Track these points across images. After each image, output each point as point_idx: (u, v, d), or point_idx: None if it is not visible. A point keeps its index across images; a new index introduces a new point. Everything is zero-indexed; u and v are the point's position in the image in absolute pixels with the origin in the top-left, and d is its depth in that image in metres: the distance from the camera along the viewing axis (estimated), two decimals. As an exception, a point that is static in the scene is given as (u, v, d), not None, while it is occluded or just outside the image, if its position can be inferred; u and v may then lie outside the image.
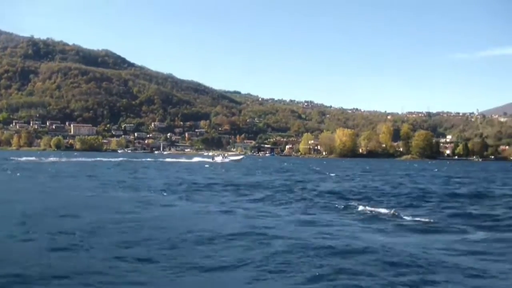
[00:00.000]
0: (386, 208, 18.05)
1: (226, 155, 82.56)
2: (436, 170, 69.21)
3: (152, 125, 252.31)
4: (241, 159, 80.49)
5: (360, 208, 18.05)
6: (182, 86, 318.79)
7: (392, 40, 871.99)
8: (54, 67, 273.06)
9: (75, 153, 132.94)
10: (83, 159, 77.89)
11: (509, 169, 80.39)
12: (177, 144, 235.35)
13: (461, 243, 11.84)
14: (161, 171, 49.70)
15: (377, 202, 20.87)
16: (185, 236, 11.56)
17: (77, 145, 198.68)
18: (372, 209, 17.74)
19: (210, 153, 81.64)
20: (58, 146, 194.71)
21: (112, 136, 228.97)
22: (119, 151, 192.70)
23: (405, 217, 15.91)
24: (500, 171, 67.47)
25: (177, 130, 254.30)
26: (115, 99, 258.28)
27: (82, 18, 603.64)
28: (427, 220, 15.45)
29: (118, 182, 30.00)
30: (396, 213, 16.55)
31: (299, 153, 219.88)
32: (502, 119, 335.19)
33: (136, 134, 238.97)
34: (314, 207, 18.90)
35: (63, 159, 73.54)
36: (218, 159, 77.30)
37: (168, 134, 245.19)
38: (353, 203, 19.98)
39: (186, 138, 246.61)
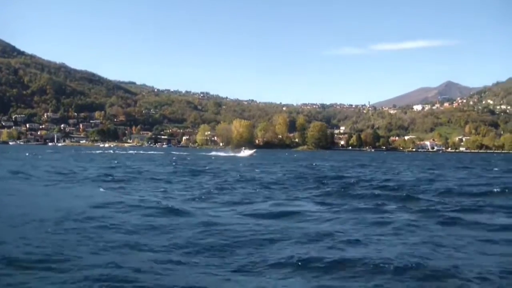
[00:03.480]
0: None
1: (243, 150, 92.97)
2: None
3: (45, 116, 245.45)
4: (253, 152, 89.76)
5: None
6: (76, 76, 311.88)
7: (285, 33, 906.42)
8: None
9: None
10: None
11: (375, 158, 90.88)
12: (72, 135, 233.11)
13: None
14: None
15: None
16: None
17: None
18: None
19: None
20: None
21: (2, 127, 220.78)
22: (10, 143, 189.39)
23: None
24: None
25: (71, 121, 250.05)
26: (4, 89, 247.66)
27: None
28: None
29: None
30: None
31: (196, 144, 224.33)
32: (392, 111, 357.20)
33: (28, 125, 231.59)
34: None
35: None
36: (242, 153, 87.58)
37: (62, 125, 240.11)
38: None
39: (80, 129, 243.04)
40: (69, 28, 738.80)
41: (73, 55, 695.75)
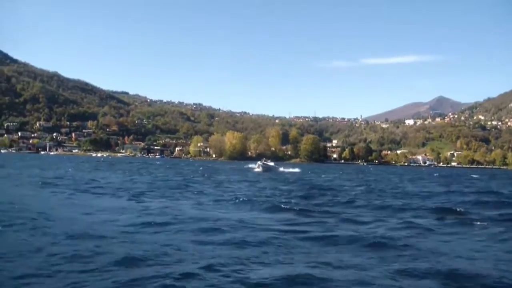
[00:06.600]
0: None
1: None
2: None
3: (37, 125, 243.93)
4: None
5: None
6: (69, 85, 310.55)
7: (277, 46, 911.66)
8: None
9: None
10: None
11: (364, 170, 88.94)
12: (64, 144, 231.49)
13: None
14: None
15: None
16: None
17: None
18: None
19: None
20: None
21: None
22: (2, 151, 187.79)
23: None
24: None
25: (63, 130, 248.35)
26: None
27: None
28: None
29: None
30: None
31: (189, 155, 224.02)
32: (384, 125, 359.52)
33: (20, 134, 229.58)
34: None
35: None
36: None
37: (54, 134, 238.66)
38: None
39: (73, 139, 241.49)
40: (63, 37, 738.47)
41: (66, 64, 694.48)
